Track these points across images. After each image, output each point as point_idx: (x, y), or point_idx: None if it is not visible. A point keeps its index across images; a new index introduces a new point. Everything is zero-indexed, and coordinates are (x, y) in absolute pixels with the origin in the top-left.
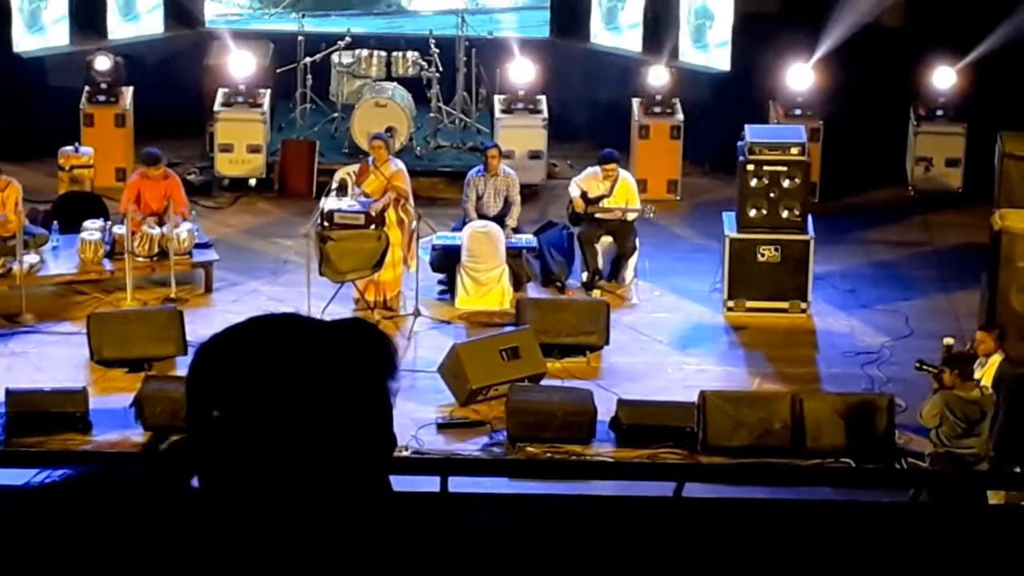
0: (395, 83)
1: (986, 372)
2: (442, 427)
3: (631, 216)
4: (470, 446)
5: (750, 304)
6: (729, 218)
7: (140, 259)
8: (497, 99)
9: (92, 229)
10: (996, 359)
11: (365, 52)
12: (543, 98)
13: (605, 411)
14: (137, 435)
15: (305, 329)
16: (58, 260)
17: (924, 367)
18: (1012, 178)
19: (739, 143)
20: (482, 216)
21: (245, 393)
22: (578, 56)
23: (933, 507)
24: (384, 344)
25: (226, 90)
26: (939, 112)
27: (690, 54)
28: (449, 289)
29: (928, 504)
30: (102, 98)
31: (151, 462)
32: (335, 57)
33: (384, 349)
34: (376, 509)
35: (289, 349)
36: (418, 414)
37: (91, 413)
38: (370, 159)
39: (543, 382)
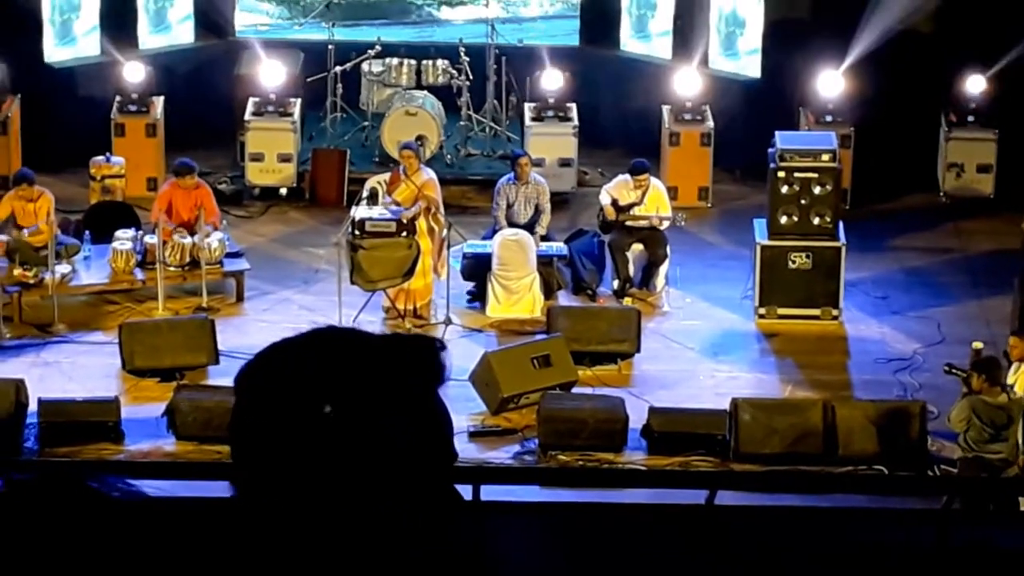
0: (425, 91)
1: (1019, 377)
2: (474, 435)
3: (663, 224)
4: (502, 454)
5: (781, 311)
6: (760, 225)
7: (171, 268)
8: (527, 107)
9: (123, 239)
10: None
11: (395, 61)
12: (573, 106)
13: (637, 419)
14: (169, 444)
15: (364, 344)
16: (90, 270)
17: (953, 371)
18: None
19: (770, 150)
20: (512, 224)
21: (302, 404)
22: (608, 64)
23: (965, 513)
24: (441, 360)
25: (257, 99)
26: (970, 118)
27: (720, 61)
28: (480, 297)
29: (960, 511)
30: (133, 108)
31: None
32: (365, 66)
33: (441, 364)
34: (442, 518)
35: (347, 363)
36: None
37: (123, 423)
38: (401, 168)
39: (574, 390)
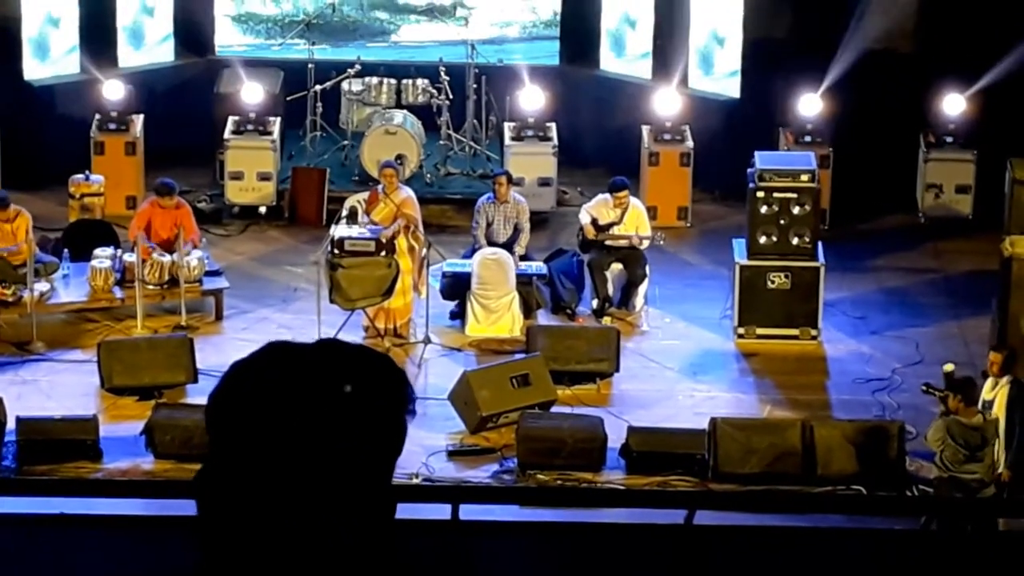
0: (405, 111)
1: (998, 392)
2: (452, 454)
3: (643, 243)
4: (480, 473)
5: (760, 331)
6: (739, 245)
7: (150, 287)
8: (507, 126)
9: (102, 257)
10: (1005, 381)
11: (375, 80)
12: (553, 125)
13: (615, 438)
14: (148, 463)
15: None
16: (68, 288)
17: (930, 390)
18: (1022, 204)
19: (749, 170)
20: (492, 243)
21: (264, 414)
22: (588, 83)
23: (943, 534)
24: (405, 383)
25: (236, 118)
26: (949, 139)
27: (700, 81)
28: (459, 316)
29: (938, 531)
30: (112, 126)
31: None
32: (345, 85)
33: (405, 388)
34: (376, 534)
35: (302, 377)
36: (428, 441)
37: (101, 441)
38: (380, 187)
39: (553, 409)
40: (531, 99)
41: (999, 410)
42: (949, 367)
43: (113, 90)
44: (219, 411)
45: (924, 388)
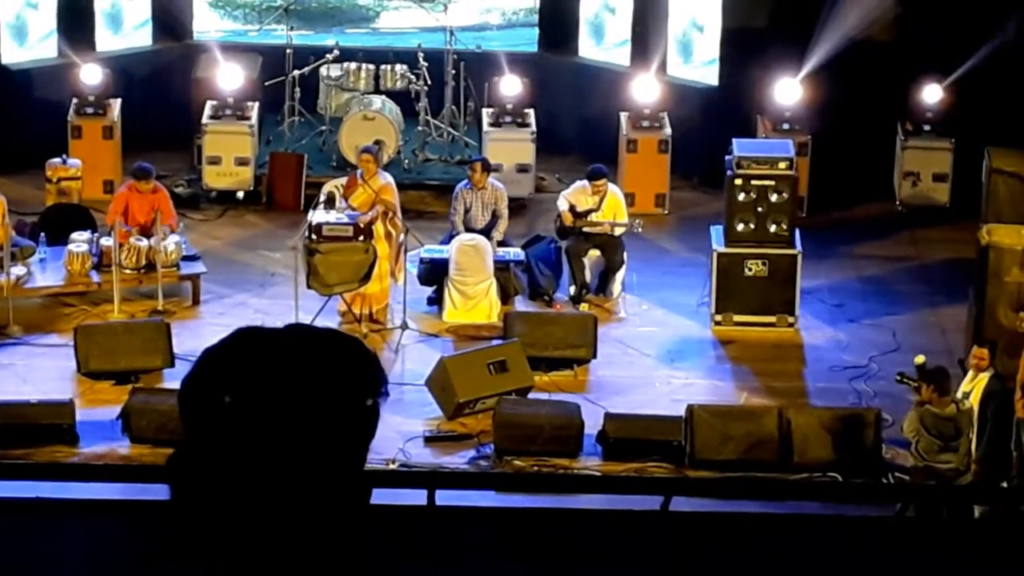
0: (383, 96)
1: (976, 385)
2: (429, 440)
3: (619, 230)
4: (457, 459)
5: (738, 318)
6: (717, 232)
7: (127, 271)
8: (485, 112)
9: (79, 241)
10: (985, 374)
11: (353, 65)
12: (531, 112)
13: (592, 425)
14: (124, 447)
15: (299, 342)
16: (45, 272)
17: (904, 380)
18: (999, 193)
19: (727, 157)
20: (470, 229)
21: (236, 399)
22: (566, 70)
23: (919, 521)
24: (378, 367)
25: (214, 103)
26: (926, 127)
27: (678, 68)
28: (437, 302)
29: (914, 518)
30: (90, 110)
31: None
32: (323, 70)
33: (377, 372)
34: (349, 514)
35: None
36: (405, 427)
37: (78, 425)
38: (358, 172)
39: (530, 395)
40: (509, 86)
41: (974, 401)
42: (920, 359)
43: (91, 74)
44: (191, 398)
45: (898, 378)
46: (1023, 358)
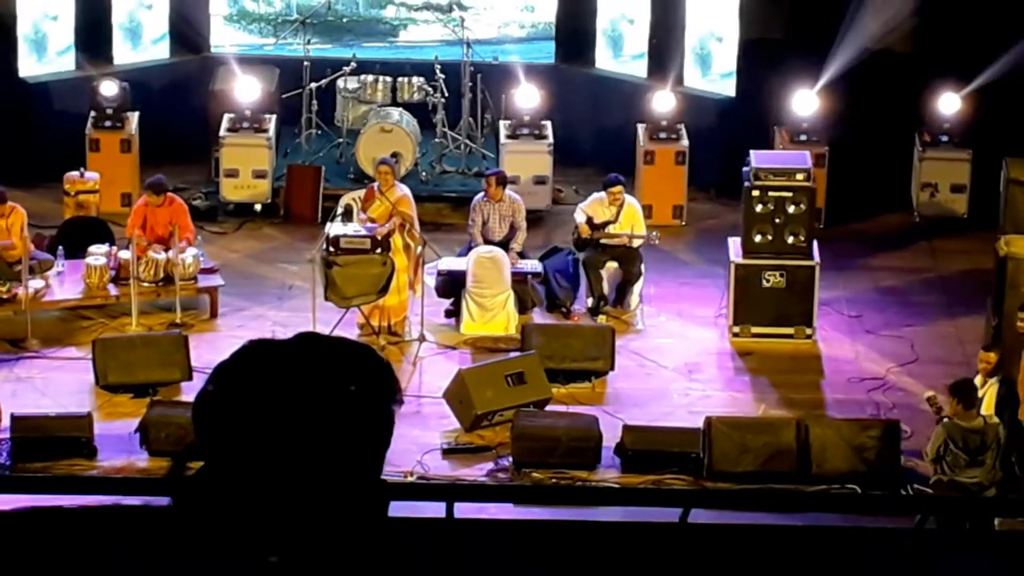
0: (400, 108)
1: (987, 391)
2: (447, 453)
3: (636, 242)
4: (475, 472)
5: (755, 330)
6: (734, 243)
7: (145, 284)
8: (502, 124)
9: (97, 254)
10: (993, 381)
11: (370, 78)
12: (548, 123)
13: (610, 437)
14: (142, 460)
15: (340, 352)
16: (63, 285)
17: (932, 404)
18: (1017, 204)
19: (744, 169)
20: (488, 241)
21: (249, 412)
22: (583, 82)
23: (938, 533)
24: (385, 370)
25: (231, 115)
26: (944, 138)
27: (695, 80)
28: (454, 314)
29: (933, 530)
30: (108, 123)
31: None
32: (340, 83)
33: (385, 375)
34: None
35: (322, 368)
36: (423, 439)
37: (96, 438)
38: (375, 184)
39: (548, 407)
40: (527, 97)
41: (987, 409)
42: (930, 393)
43: (109, 87)
44: (204, 414)
45: (929, 399)
46: (1023, 360)
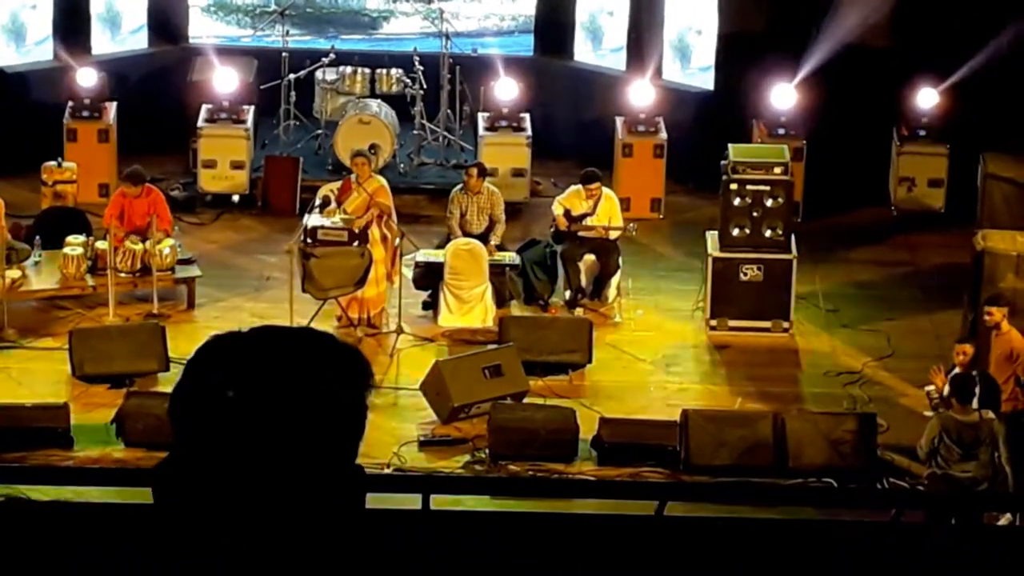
0: (379, 100)
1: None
2: (424, 445)
3: (614, 234)
4: (452, 464)
5: (732, 323)
6: (712, 237)
7: (122, 275)
8: (481, 117)
9: (75, 244)
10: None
11: (349, 69)
12: (527, 116)
13: (588, 429)
14: (119, 451)
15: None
16: (40, 275)
17: (932, 398)
18: (994, 199)
19: (722, 162)
20: (466, 233)
21: (215, 406)
22: (562, 74)
23: (925, 527)
24: (365, 366)
25: (210, 106)
26: (922, 132)
27: (674, 73)
28: (432, 306)
29: (919, 524)
30: (85, 113)
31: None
32: (319, 74)
33: (364, 370)
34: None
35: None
36: (400, 431)
37: (72, 429)
38: (353, 176)
39: (525, 400)
40: (505, 90)
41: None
42: (929, 388)
43: (86, 77)
44: (178, 408)
45: (928, 395)
46: (992, 353)
